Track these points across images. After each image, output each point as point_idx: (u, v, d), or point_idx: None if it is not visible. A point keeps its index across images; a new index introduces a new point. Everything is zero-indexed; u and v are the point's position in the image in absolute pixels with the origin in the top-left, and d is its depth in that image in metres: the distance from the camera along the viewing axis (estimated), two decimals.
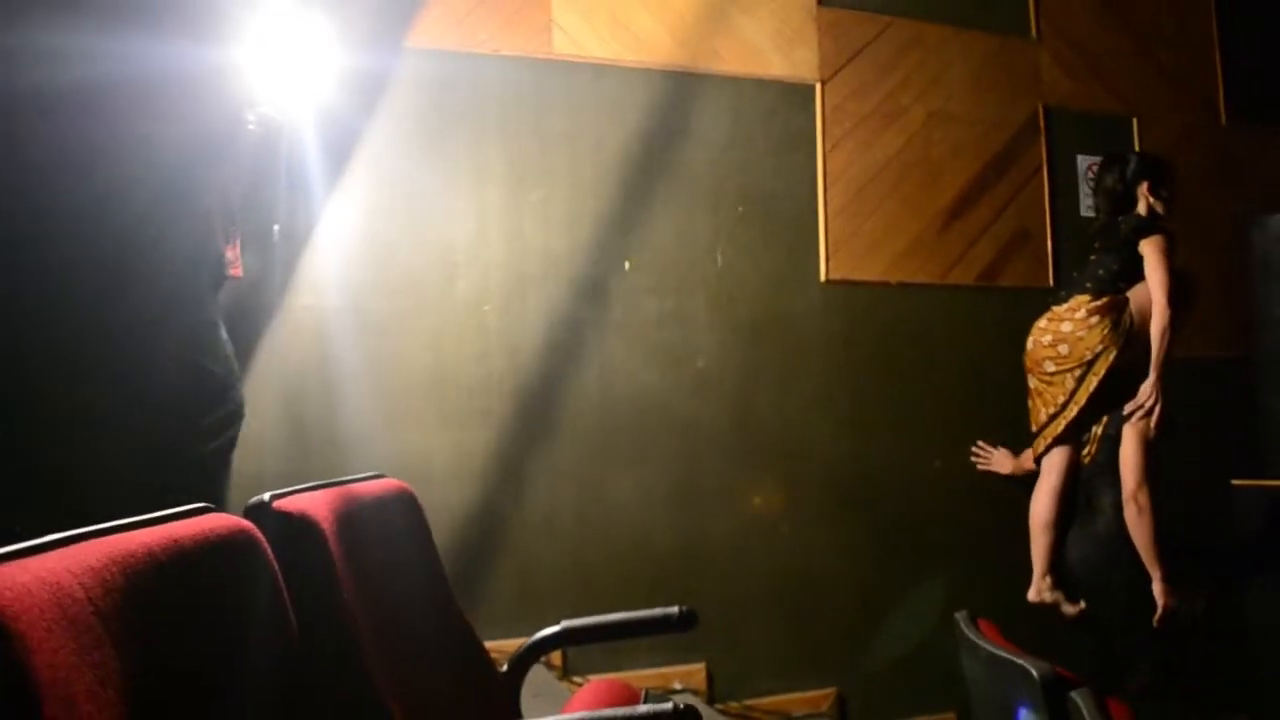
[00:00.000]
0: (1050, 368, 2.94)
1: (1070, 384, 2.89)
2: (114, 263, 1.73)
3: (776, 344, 3.38)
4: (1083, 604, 2.89)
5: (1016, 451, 3.34)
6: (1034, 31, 3.85)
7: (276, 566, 1.09)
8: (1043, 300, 3.22)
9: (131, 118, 1.74)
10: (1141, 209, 3.01)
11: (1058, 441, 2.94)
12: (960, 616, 1.83)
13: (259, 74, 2.40)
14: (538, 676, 2.61)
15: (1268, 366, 3.54)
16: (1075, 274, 3.08)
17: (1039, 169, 3.77)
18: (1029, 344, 3.05)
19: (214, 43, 1.93)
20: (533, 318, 3.12)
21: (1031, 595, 2.99)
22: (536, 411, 3.08)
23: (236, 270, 2.43)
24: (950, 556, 3.41)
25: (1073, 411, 2.89)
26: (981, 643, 1.71)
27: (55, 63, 1.59)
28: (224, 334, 2.09)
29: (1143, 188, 3.02)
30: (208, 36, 1.91)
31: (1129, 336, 2.87)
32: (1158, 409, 2.77)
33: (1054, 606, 2.95)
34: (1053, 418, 2.94)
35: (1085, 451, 2.96)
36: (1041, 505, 2.98)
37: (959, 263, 3.60)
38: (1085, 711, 1.36)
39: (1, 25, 1.59)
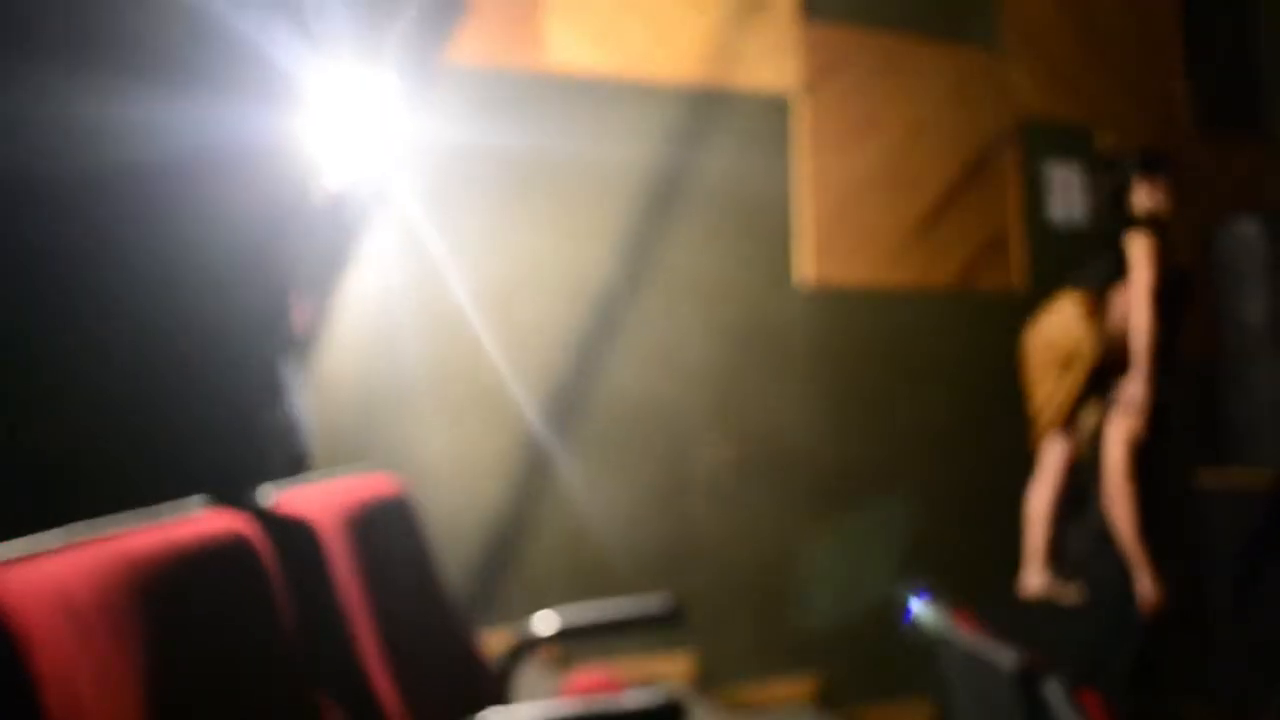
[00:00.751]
0: (1038, 365, 2.94)
1: (1056, 380, 2.89)
2: (171, 339, 1.75)
3: (761, 347, 3.39)
4: (1077, 593, 2.87)
5: None
6: (1006, 45, 3.87)
7: (274, 565, 1.09)
8: (1015, 304, 3.21)
9: (188, 194, 1.76)
10: (1138, 206, 2.94)
11: (1051, 436, 2.95)
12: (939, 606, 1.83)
13: (322, 139, 2.39)
14: (528, 665, 2.60)
15: (1232, 368, 3.57)
16: (1074, 274, 3.03)
17: (1010, 178, 3.79)
18: (1025, 343, 3.05)
19: (275, 108, 1.94)
20: (525, 323, 3.12)
21: (1025, 586, 2.98)
22: (532, 411, 3.09)
23: (303, 326, 2.50)
24: (929, 550, 3.41)
25: (1059, 408, 2.89)
26: (957, 631, 1.71)
27: (111, 137, 1.60)
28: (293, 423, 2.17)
29: (1138, 184, 2.94)
30: (269, 102, 1.92)
31: (1108, 334, 2.85)
32: (1144, 406, 2.72)
33: (1047, 598, 2.94)
34: (1044, 414, 2.94)
35: (1078, 448, 2.95)
36: (1038, 499, 2.98)
37: (935, 269, 3.62)
38: (1056, 700, 1.37)
39: (49, 97, 1.59)
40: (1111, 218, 2.99)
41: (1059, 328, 2.90)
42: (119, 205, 1.71)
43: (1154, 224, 2.84)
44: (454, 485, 2.95)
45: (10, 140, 1.54)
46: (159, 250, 1.68)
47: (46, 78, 1.59)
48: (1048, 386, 2.91)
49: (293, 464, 2.05)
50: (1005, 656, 1.50)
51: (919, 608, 1.60)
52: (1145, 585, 2.68)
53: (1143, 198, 2.92)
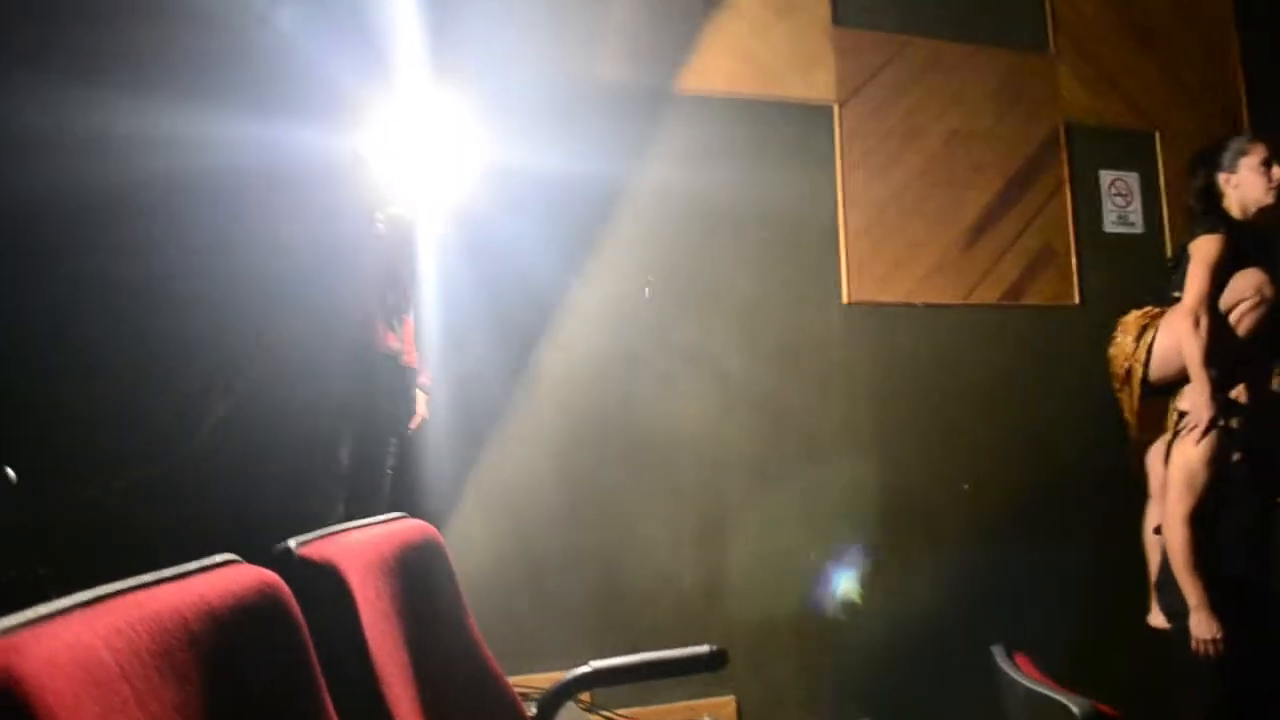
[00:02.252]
0: (1115, 386, 2.88)
1: (1127, 401, 2.82)
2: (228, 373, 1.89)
3: (801, 368, 3.37)
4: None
5: None
6: (1052, 47, 3.83)
7: (304, 618, 1.08)
8: (1069, 319, 3.13)
9: (254, 212, 1.89)
10: (1231, 204, 2.70)
11: (1153, 454, 2.88)
12: (996, 649, 1.79)
13: (390, 166, 2.48)
14: (565, 711, 2.57)
15: None
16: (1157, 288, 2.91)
17: (1061, 186, 3.74)
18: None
19: (342, 132, 1.98)
20: (552, 347, 3.11)
21: (1150, 618, 2.89)
22: (561, 443, 3.08)
23: (410, 358, 2.66)
24: (984, 583, 3.36)
25: (1134, 430, 2.82)
26: (1018, 677, 1.67)
27: (163, 155, 1.75)
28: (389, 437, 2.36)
29: (1221, 179, 2.70)
30: (336, 126, 1.97)
31: (1151, 350, 2.76)
32: (1202, 424, 2.55)
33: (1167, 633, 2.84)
34: (1126, 436, 2.88)
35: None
36: (1149, 523, 2.90)
37: (983, 282, 3.59)
38: None
39: (139, 111, 1.73)
40: (1203, 219, 2.73)
41: (1110, 349, 2.85)
42: (174, 227, 1.82)
43: (1221, 228, 2.68)
44: (479, 523, 2.94)
45: (58, 159, 1.66)
46: (217, 276, 1.77)
47: (98, 96, 1.72)
48: (1127, 409, 2.84)
49: (371, 509, 2.12)
50: (1074, 701, 1.46)
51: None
52: (1197, 622, 2.57)
53: (1231, 194, 2.70)
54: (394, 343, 2.62)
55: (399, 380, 2.67)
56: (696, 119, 3.36)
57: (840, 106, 3.52)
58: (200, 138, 1.78)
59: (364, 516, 1.65)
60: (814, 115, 3.50)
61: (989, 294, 3.59)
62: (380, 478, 2.57)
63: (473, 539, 2.90)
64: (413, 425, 2.78)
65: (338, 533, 1.35)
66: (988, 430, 3.51)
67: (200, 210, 1.89)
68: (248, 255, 1.91)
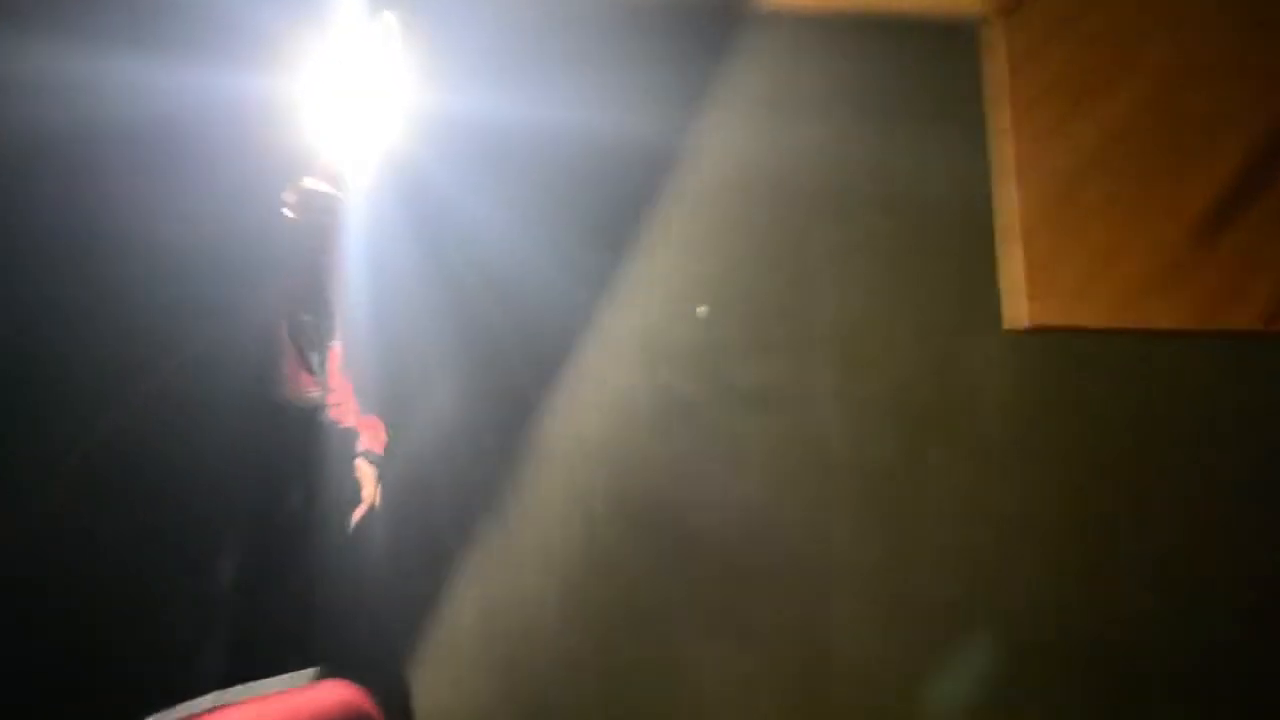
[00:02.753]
0: None
1: None
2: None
3: (940, 426, 3.35)
4: None
5: None
6: None
7: None
8: None
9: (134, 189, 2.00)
10: None
11: None
12: None
13: (320, 114, 2.61)
14: None
15: None
16: None
17: None
18: None
19: (256, 74, 2.20)
20: (556, 399, 3.13)
21: None
22: (571, 551, 3.10)
23: (343, 411, 2.67)
24: None
25: None
26: None
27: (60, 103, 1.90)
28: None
29: None
30: (247, 67, 2.17)
31: None
32: None
33: None
34: None
35: None
36: None
37: (1232, 296, 3.51)
38: None
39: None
40: None
41: None
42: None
43: None
44: (463, 688, 2.94)
45: None
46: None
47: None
48: None
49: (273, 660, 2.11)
50: None
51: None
52: None
53: None
54: (312, 388, 2.44)
55: (321, 448, 2.53)
56: (777, 48, 3.35)
57: (999, 24, 3.46)
58: (72, 82, 1.91)
59: (260, 674, 1.65)
60: (958, 38, 3.47)
61: (1243, 315, 3.48)
62: (289, 610, 2.36)
63: (440, 710, 2.83)
64: (354, 517, 2.68)
65: (210, 710, 1.28)
66: (1242, 516, 3.40)
67: (61, 179, 2.00)
68: (118, 254, 2.01)
